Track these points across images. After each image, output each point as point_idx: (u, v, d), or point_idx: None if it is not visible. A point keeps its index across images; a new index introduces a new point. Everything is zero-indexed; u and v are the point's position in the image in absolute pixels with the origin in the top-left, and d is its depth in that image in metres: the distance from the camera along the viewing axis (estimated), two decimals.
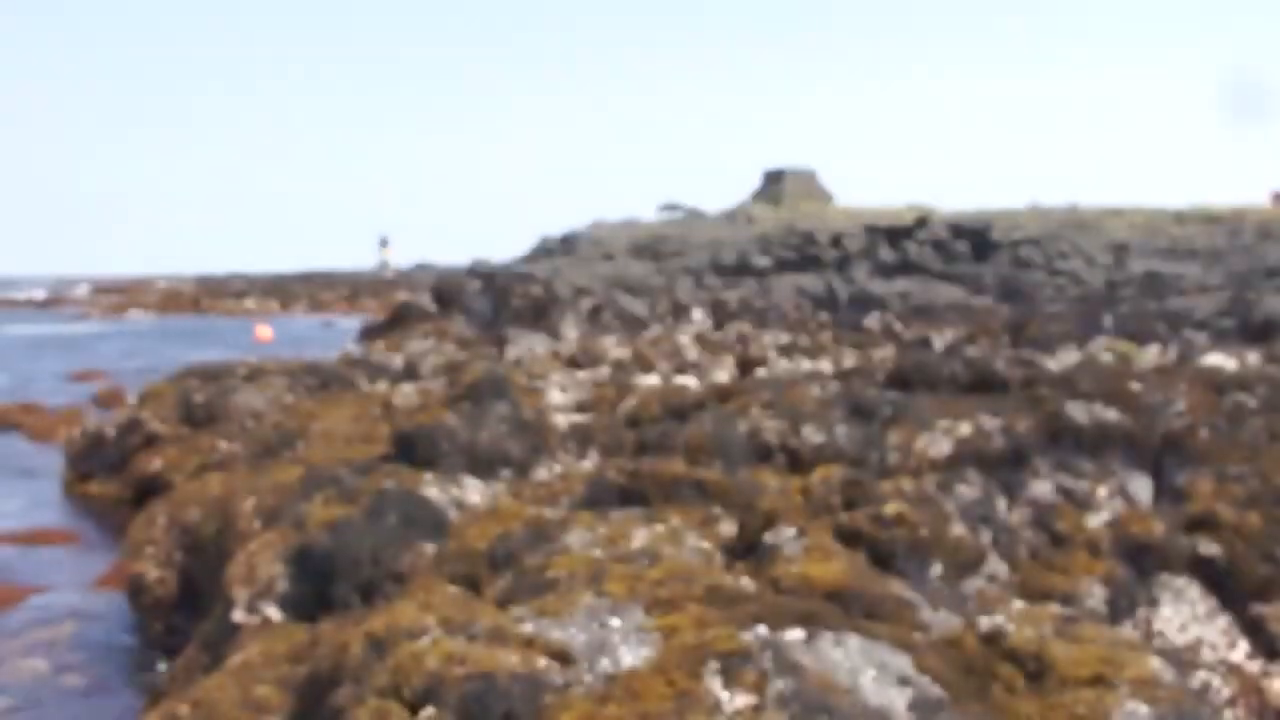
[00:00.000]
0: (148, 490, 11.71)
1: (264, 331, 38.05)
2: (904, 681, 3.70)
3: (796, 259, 57.95)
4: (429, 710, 3.57)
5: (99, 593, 9.14)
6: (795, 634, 3.91)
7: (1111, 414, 8.02)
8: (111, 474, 13.28)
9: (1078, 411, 8.01)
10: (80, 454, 13.76)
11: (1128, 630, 6.03)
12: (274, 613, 5.75)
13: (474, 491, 6.62)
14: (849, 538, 5.34)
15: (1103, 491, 7.43)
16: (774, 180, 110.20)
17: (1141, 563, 6.55)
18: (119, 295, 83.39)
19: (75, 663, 7.63)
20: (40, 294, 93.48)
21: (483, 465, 7.04)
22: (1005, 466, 7.60)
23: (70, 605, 8.82)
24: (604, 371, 15.33)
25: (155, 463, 12.32)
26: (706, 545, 5.53)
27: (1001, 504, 7.34)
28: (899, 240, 58.23)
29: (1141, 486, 7.88)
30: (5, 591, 9.07)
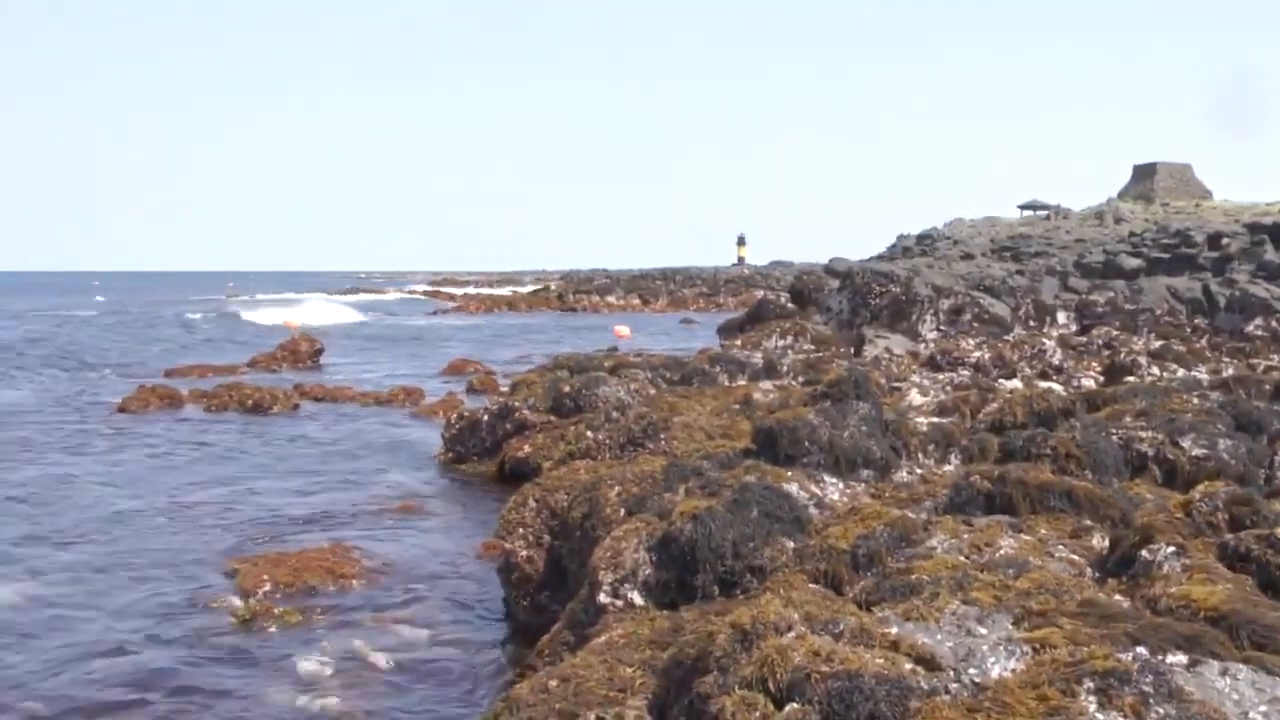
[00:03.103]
0: (517, 473, 12.39)
1: (622, 330, 40.65)
2: None
3: (1169, 259, 54.88)
4: (794, 704, 3.59)
5: (472, 567, 9.71)
6: (1177, 658, 3.71)
7: None
8: (484, 456, 14.15)
9: None
10: (456, 436, 14.70)
11: None
12: (637, 597, 5.91)
13: (834, 490, 6.62)
14: (1236, 559, 5.00)
15: None
16: (1144, 175, 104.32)
17: None
18: (491, 290, 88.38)
19: (450, 631, 8.14)
20: (421, 288, 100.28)
21: (843, 464, 7.02)
22: None
23: (446, 577, 9.41)
24: (964, 374, 15.00)
25: (525, 448, 13.01)
26: (1076, 558, 5.31)
27: None
28: None
29: None
30: (383, 562, 9.79)
